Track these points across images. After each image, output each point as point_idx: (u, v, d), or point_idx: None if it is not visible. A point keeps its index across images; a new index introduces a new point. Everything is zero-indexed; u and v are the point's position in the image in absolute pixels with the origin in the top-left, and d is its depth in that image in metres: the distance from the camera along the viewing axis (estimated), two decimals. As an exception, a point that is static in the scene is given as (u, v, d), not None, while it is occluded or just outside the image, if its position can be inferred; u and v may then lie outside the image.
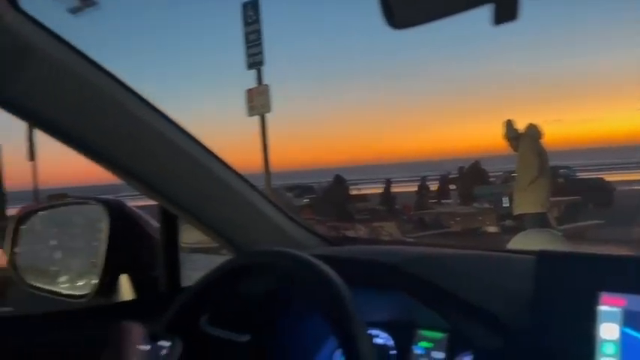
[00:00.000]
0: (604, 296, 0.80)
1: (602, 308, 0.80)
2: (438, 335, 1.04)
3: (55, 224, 1.40)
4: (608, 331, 0.79)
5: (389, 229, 9.59)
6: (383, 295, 1.04)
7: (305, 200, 14.96)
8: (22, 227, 1.41)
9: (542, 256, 0.87)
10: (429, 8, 0.56)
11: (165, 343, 0.93)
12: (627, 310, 0.79)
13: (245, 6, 9.08)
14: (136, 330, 0.78)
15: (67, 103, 0.98)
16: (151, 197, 1.18)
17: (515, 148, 7.13)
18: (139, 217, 1.32)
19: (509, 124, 7.18)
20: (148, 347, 0.93)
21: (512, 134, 7.14)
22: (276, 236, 1.27)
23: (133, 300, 1.31)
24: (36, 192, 15.35)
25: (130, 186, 1.14)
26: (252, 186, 1.27)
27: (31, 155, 14.70)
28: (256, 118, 9.13)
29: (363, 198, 16.11)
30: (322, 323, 1.06)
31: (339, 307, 0.77)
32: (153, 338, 0.94)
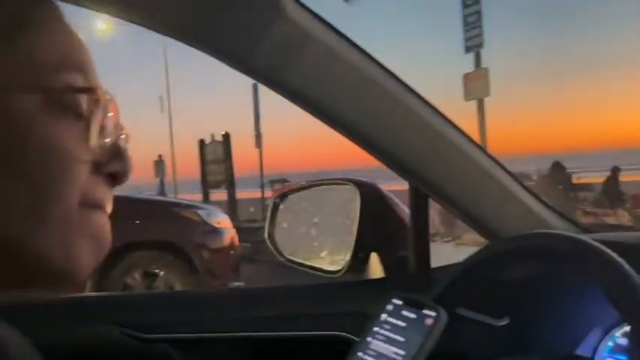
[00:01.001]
0: None
1: None
2: None
3: (310, 203, 1.49)
4: None
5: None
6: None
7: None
8: (281, 206, 1.52)
9: None
10: None
11: (431, 313, 0.95)
12: None
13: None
14: None
15: (333, 88, 1.04)
16: (403, 176, 1.20)
17: None
18: (390, 199, 1.36)
19: None
20: (413, 315, 0.95)
21: None
22: (530, 221, 1.23)
23: (381, 278, 1.36)
24: (261, 178, 16.64)
25: (384, 164, 1.18)
26: (505, 169, 1.24)
27: (258, 143, 15.95)
28: (471, 103, 8.95)
29: (586, 187, 15.03)
30: (589, 312, 1.01)
31: (630, 289, 0.73)
32: (418, 307, 0.97)
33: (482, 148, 1.20)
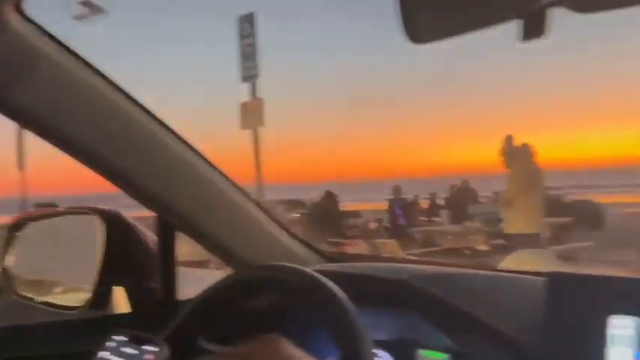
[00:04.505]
0: (615, 319, 0.78)
1: (613, 332, 0.78)
2: (440, 356, 1.02)
3: (49, 234, 1.37)
4: (620, 355, 0.78)
5: (390, 246, 9.55)
6: (385, 312, 1.02)
7: (295, 215, 14.90)
8: (16, 236, 1.38)
9: (553, 278, 0.86)
10: (454, 23, 0.55)
11: (152, 349, 0.91)
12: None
13: (241, 19, 9.13)
14: None
15: (68, 110, 0.96)
16: (149, 207, 1.16)
17: (509, 165, 7.13)
18: (136, 228, 1.30)
19: (508, 140, 7.18)
20: (134, 352, 0.91)
21: (508, 151, 7.14)
22: (276, 251, 1.26)
23: (127, 313, 1.29)
24: (24, 201, 15.23)
25: (128, 195, 1.12)
26: (252, 200, 1.25)
27: (20, 164, 14.60)
28: (250, 131, 9.14)
29: (355, 214, 16.06)
30: (325, 340, 1.05)
31: (344, 323, 0.76)
32: (138, 342, 0.92)
33: (229, 179, 1.20)
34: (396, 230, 13.15)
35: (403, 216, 13.66)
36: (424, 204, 16.58)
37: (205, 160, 1.15)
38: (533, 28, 0.50)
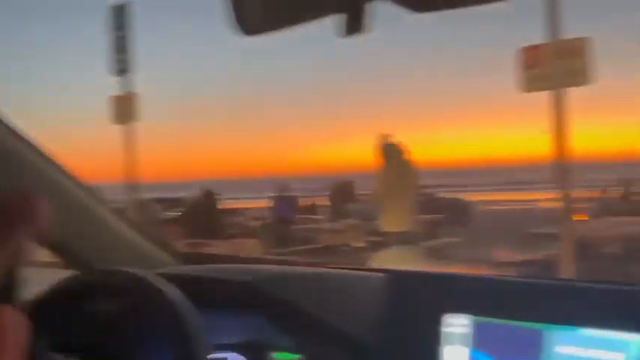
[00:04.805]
0: (449, 317, 0.80)
1: (447, 330, 0.79)
2: (292, 356, 1.01)
3: None
4: (455, 353, 0.79)
5: (251, 245, 9.55)
6: (236, 315, 1.00)
7: (171, 214, 14.55)
8: None
9: (391, 275, 0.87)
10: (280, 15, 0.54)
11: None
12: (473, 331, 0.79)
13: (112, 10, 8.68)
14: None
15: None
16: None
17: (384, 163, 7.30)
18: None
19: (383, 138, 7.32)
20: None
21: (383, 149, 7.29)
22: (126, 253, 1.20)
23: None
24: None
25: None
26: (99, 199, 1.18)
27: None
28: (123, 127, 8.78)
29: (236, 212, 15.94)
30: (162, 345, 1.01)
31: (178, 327, 0.73)
32: None
33: (71, 176, 1.13)
34: (277, 228, 13.18)
35: (285, 214, 13.72)
36: (307, 202, 16.76)
37: (45, 156, 1.07)
38: (355, 24, 0.49)
